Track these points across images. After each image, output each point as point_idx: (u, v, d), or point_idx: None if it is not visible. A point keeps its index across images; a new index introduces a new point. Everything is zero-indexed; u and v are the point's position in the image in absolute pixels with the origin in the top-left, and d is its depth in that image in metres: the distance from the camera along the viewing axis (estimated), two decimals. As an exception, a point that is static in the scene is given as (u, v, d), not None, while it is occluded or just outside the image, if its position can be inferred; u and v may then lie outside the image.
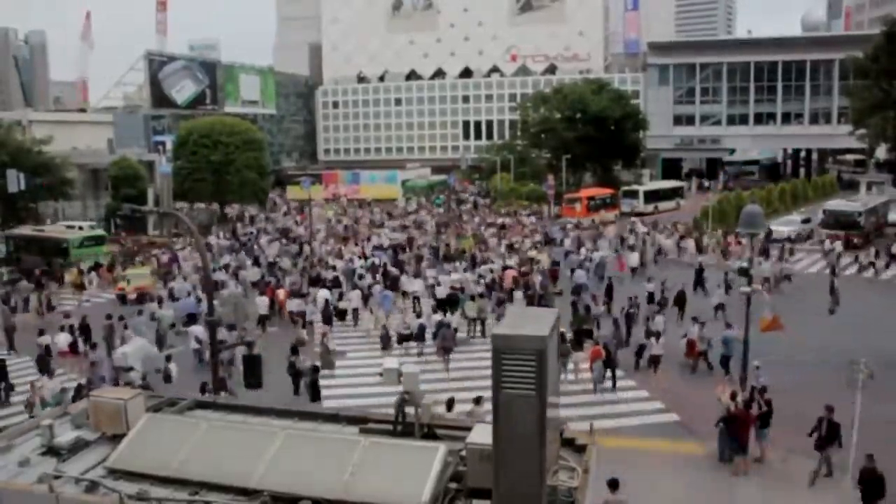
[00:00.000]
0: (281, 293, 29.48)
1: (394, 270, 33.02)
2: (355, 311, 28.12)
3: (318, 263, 35.64)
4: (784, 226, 44.67)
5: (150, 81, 78.42)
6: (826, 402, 14.59)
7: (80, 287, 35.00)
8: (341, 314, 28.23)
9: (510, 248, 39.68)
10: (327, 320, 26.61)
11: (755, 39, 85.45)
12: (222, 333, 21.22)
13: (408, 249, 40.32)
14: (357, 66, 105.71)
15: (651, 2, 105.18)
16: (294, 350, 21.39)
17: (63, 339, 23.88)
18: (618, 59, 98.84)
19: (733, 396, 15.91)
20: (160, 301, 29.43)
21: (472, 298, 27.15)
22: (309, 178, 67.37)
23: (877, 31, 52.34)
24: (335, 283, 30.98)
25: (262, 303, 27.81)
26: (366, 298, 28.69)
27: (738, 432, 15.12)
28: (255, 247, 42.94)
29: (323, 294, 28.51)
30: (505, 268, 32.58)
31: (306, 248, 40.26)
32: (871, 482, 12.91)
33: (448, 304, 27.10)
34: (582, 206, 55.96)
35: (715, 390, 17.17)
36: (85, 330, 25.05)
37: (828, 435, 14.37)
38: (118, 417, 7.65)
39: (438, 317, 24.67)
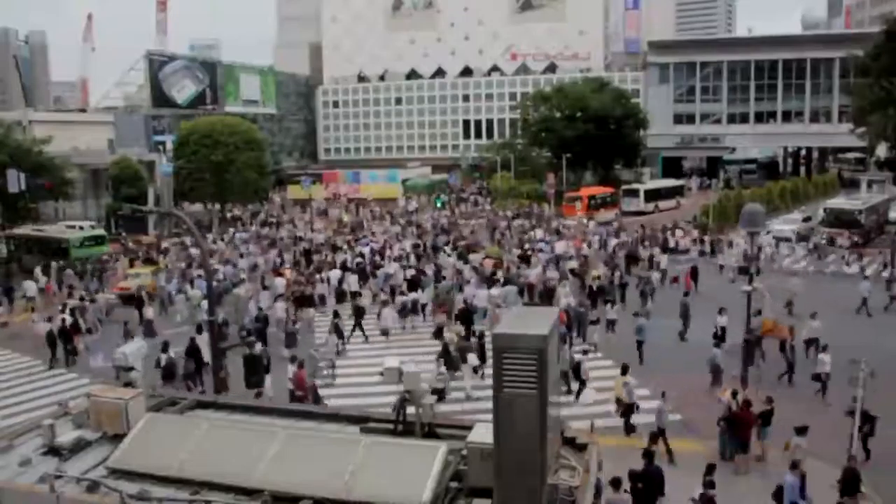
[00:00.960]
0: (289, 272, 32.94)
1: (378, 259, 36.74)
2: (356, 293, 30.04)
3: (308, 282, 33.10)
4: (785, 224, 44.64)
5: (151, 81, 78.48)
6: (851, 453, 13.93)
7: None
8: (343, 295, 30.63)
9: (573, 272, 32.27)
10: (340, 298, 29.53)
11: (755, 38, 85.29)
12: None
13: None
14: (357, 65, 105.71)
15: (651, 0, 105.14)
16: (336, 314, 25.16)
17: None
18: (618, 58, 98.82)
19: (734, 395, 15.92)
20: (192, 281, 31.71)
21: (437, 281, 29.88)
22: (309, 177, 67.65)
23: (877, 29, 52.30)
24: (343, 268, 33.97)
25: (280, 283, 30.71)
26: (364, 279, 32.07)
27: (739, 431, 15.11)
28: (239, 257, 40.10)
29: (335, 274, 31.88)
30: (486, 257, 34.70)
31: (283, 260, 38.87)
32: (850, 483, 12.89)
33: (415, 284, 29.97)
34: (582, 205, 55.95)
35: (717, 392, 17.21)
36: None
37: (850, 484, 13.18)
38: (119, 417, 7.66)
39: (414, 295, 28.08)
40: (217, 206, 63.09)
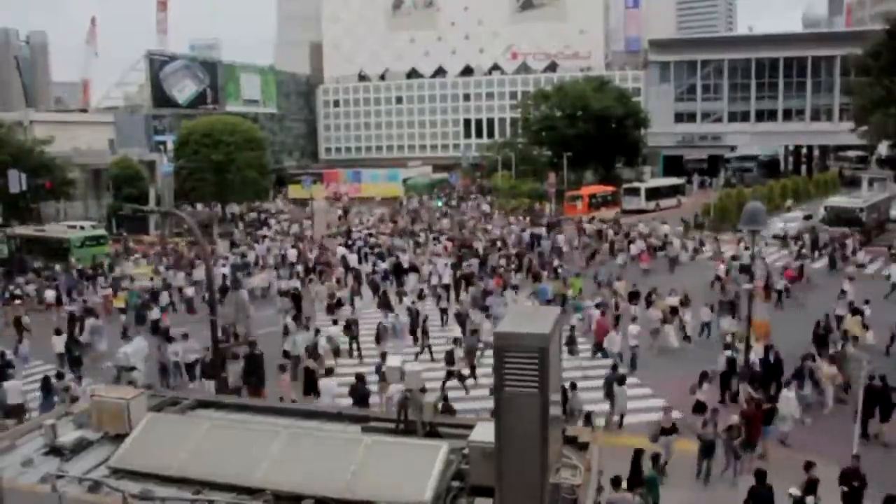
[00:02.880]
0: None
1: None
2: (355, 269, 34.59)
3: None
4: (791, 223, 44.48)
5: (151, 81, 78.46)
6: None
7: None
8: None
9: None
10: (346, 268, 33.74)
11: (756, 36, 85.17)
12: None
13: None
14: (358, 64, 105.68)
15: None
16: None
17: (50, 294, 30.85)
18: (618, 57, 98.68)
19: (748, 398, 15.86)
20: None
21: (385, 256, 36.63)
22: (310, 176, 67.58)
23: (878, 27, 52.15)
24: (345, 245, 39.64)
25: (292, 255, 36.71)
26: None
27: (749, 430, 15.08)
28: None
29: (342, 250, 36.82)
30: (449, 238, 39.86)
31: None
32: (855, 484, 12.84)
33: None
34: (583, 204, 55.93)
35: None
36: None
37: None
38: (121, 417, 7.67)
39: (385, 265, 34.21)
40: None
